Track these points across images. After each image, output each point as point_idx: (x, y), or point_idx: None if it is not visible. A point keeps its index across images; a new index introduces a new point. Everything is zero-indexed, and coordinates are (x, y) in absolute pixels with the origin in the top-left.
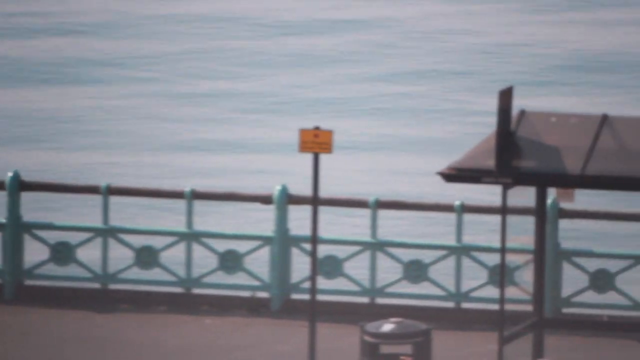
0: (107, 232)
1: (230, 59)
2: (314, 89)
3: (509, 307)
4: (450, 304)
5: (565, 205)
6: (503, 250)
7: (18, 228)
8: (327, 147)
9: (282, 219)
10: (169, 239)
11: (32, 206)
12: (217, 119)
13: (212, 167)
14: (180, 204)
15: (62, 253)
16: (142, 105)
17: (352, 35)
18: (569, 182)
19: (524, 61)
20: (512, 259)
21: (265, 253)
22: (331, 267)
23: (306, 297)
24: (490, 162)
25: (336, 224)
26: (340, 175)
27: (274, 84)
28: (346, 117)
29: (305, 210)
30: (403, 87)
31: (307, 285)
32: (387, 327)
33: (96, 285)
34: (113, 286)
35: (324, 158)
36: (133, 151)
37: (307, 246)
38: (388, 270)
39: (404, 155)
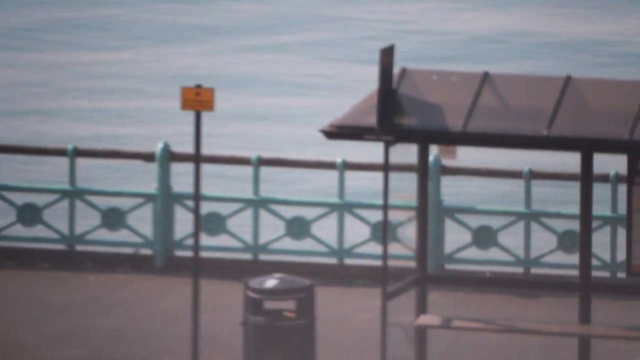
0: None
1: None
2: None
3: (391, 263)
4: (333, 260)
5: (447, 162)
6: (386, 207)
7: None
8: (209, 105)
9: (164, 177)
10: (52, 197)
11: None
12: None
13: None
14: (64, 161)
15: None
16: None
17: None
18: (451, 139)
19: None
20: (394, 215)
21: (148, 210)
22: (214, 224)
23: (189, 254)
24: (372, 120)
25: (222, 181)
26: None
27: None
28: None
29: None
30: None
31: (190, 242)
32: (270, 283)
33: None
34: None
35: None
36: None
37: (190, 203)
38: (271, 227)
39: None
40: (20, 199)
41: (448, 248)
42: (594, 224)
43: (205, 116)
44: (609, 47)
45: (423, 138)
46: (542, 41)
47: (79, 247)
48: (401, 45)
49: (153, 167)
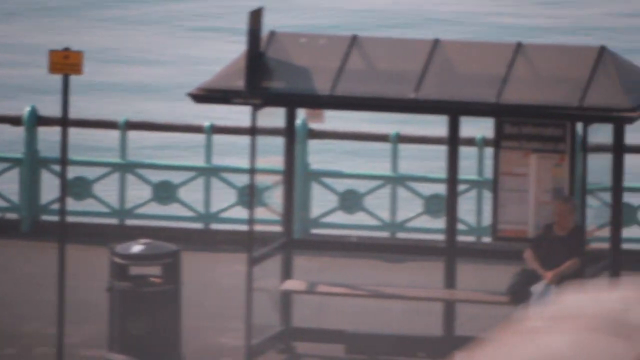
0: None
1: None
2: None
3: (258, 228)
4: (199, 225)
5: (314, 125)
6: (252, 171)
7: None
8: (78, 69)
9: (31, 141)
10: None
11: None
12: None
13: None
14: None
15: None
16: None
17: None
18: (318, 102)
19: None
20: (261, 179)
21: (14, 174)
22: (81, 188)
23: (56, 218)
24: (239, 83)
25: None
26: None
27: None
28: None
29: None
30: None
31: (56, 206)
32: (136, 248)
33: None
34: None
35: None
36: None
37: (57, 168)
38: (137, 192)
39: None
40: None
41: (314, 212)
42: (460, 187)
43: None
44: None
45: (290, 102)
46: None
47: None
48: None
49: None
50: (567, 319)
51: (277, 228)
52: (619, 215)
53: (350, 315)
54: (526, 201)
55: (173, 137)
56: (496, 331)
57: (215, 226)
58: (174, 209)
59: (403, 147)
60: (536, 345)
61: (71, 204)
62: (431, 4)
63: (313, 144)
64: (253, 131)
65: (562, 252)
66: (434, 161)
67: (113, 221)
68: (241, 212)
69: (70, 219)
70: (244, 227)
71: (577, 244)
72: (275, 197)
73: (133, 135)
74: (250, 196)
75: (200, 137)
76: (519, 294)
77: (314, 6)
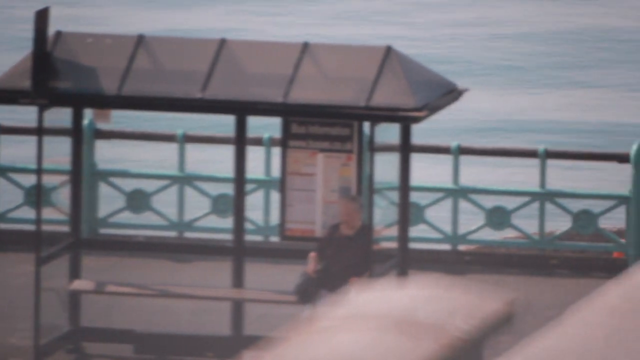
0: None
1: None
2: None
3: (45, 228)
4: None
5: (102, 125)
6: (39, 171)
7: None
8: None
9: None
10: None
11: None
12: None
13: None
14: None
15: None
16: None
17: None
18: (105, 102)
19: None
20: (48, 179)
21: None
22: None
23: None
24: (26, 83)
25: None
26: None
27: None
28: None
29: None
30: None
31: None
32: None
33: None
34: None
35: None
36: None
37: None
38: None
39: None
40: None
41: (102, 212)
42: (248, 187)
43: None
44: None
45: (77, 102)
46: None
47: None
48: None
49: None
50: (357, 318)
51: (65, 228)
52: (406, 214)
53: (139, 315)
54: (314, 201)
55: None
56: (286, 331)
57: (1, 226)
58: None
59: (190, 147)
60: (326, 345)
61: None
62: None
63: (100, 144)
64: (40, 131)
65: (350, 251)
66: (222, 161)
67: None
68: (28, 212)
69: None
70: (31, 227)
71: (364, 243)
72: (63, 197)
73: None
74: (37, 196)
75: None
76: (307, 293)
77: None
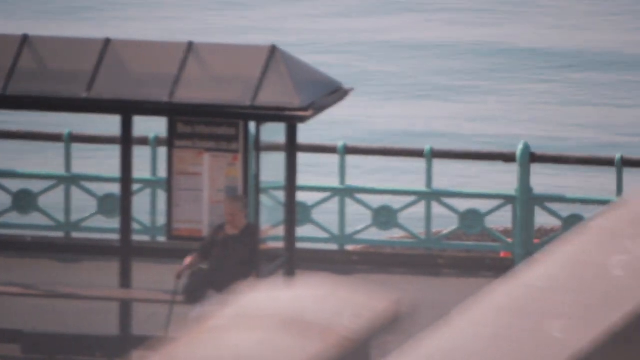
0: None
1: None
2: None
3: None
4: None
5: None
6: None
7: None
8: None
9: None
10: None
11: None
12: None
13: None
14: None
15: None
16: None
17: None
18: None
19: None
20: None
21: None
22: None
23: None
24: None
25: None
26: None
27: None
28: None
29: None
30: None
31: None
32: None
33: None
34: None
35: None
36: None
37: None
38: None
39: None
40: None
41: None
42: (135, 187)
43: None
44: None
45: None
46: None
47: None
48: None
49: None
50: (245, 318)
51: None
52: (293, 214)
53: (26, 315)
54: (200, 200)
55: None
56: (174, 330)
57: None
58: None
59: (77, 147)
60: (215, 344)
61: None
62: None
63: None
64: None
65: (236, 250)
66: (108, 160)
67: None
68: None
69: None
70: None
71: (250, 242)
72: None
73: None
74: None
75: None
76: (195, 293)
77: None
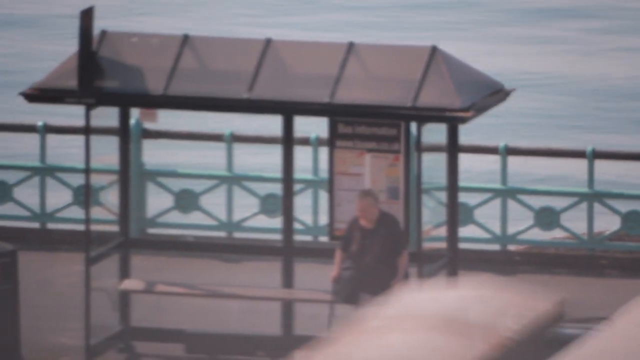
0: None
1: None
2: None
3: (95, 227)
4: (35, 225)
5: (148, 125)
6: (88, 170)
7: None
8: None
9: None
10: None
11: None
12: None
13: None
14: None
15: None
16: None
17: None
18: (152, 102)
19: None
20: (96, 179)
21: None
22: None
23: None
24: (72, 83)
25: None
26: None
27: None
28: None
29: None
30: None
31: None
32: None
33: None
34: None
35: None
36: None
37: None
38: None
39: None
40: None
41: (150, 212)
42: (296, 187)
43: None
44: None
45: (124, 101)
46: None
47: None
48: None
49: None
50: (406, 318)
51: (114, 228)
52: (455, 214)
53: (188, 314)
54: None
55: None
56: (336, 330)
57: (51, 226)
58: (9, 209)
59: (238, 147)
60: (376, 344)
61: None
62: None
63: (148, 144)
64: (87, 131)
65: (374, 244)
66: (269, 160)
67: None
68: (77, 212)
69: None
70: (80, 227)
71: (387, 232)
72: (111, 197)
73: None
74: (86, 196)
75: (33, 137)
76: (349, 296)
77: None
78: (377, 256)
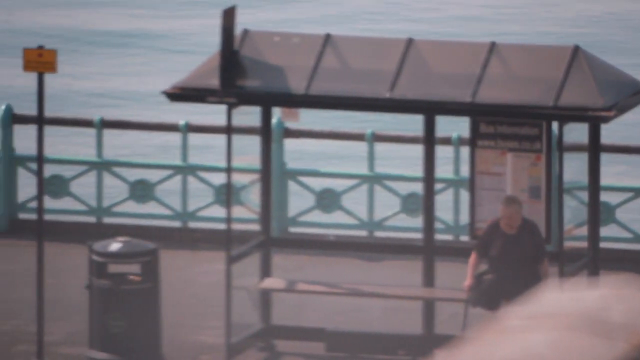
0: None
1: None
2: None
3: (236, 226)
4: (177, 224)
5: (290, 124)
6: (229, 169)
7: None
8: (52, 67)
9: (6, 139)
10: None
11: None
12: None
13: None
14: None
15: None
16: None
17: None
18: (294, 101)
19: None
20: (238, 178)
21: None
22: (58, 186)
23: (33, 216)
24: (214, 82)
25: (66, 144)
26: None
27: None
28: None
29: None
30: None
31: (33, 204)
32: (115, 246)
33: None
34: None
35: None
36: None
37: (34, 165)
38: (114, 190)
39: None
40: None
41: (292, 211)
42: (437, 186)
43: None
44: None
45: (266, 100)
46: None
47: None
48: None
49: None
50: (547, 317)
51: (255, 227)
52: (597, 214)
53: (329, 313)
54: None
55: (148, 136)
56: (476, 329)
57: (193, 224)
58: (151, 207)
59: (378, 146)
60: (516, 344)
61: (48, 202)
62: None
63: (289, 143)
64: (229, 130)
65: (516, 250)
66: (410, 160)
67: (90, 219)
68: (219, 211)
69: (48, 217)
70: (221, 226)
71: (530, 239)
72: (253, 196)
73: (107, 134)
74: (227, 195)
75: (175, 136)
76: (487, 304)
77: None
78: (519, 262)
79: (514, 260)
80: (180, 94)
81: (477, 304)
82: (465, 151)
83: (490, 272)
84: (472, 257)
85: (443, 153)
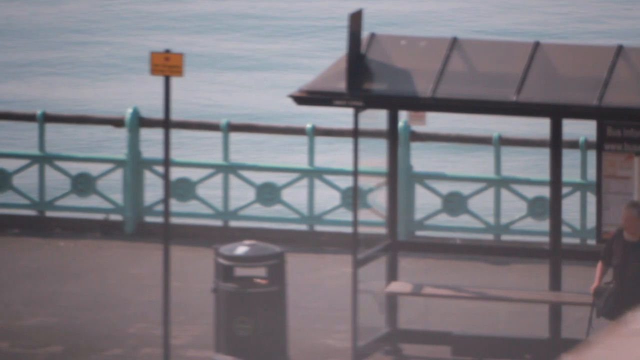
0: None
1: None
2: None
3: (362, 230)
4: (303, 227)
5: (416, 127)
6: (356, 173)
7: None
8: (178, 70)
9: (134, 142)
10: (21, 162)
11: None
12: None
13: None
14: (32, 126)
15: None
16: None
17: None
18: (420, 104)
19: None
20: (364, 182)
21: (118, 176)
22: (184, 190)
23: (159, 219)
24: (341, 85)
25: (189, 147)
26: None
27: None
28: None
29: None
30: None
31: (160, 208)
32: (241, 250)
33: None
34: None
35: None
36: None
37: (160, 169)
38: (241, 193)
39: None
40: None
41: (418, 214)
42: (564, 190)
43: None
44: None
45: (393, 104)
46: None
47: (49, 213)
48: None
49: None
50: None
51: (381, 230)
52: None
53: (455, 317)
54: None
55: (273, 139)
56: (602, 334)
57: (319, 228)
58: (277, 211)
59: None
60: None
61: (175, 205)
62: None
63: (416, 146)
64: (355, 133)
65: (637, 257)
66: (535, 163)
67: (217, 223)
68: (345, 214)
69: (174, 220)
70: (348, 229)
71: None
72: (379, 200)
73: (234, 136)
74: (354, 198)
75: (302, 139)
76: (610, 313)
77: None
78: (638, 272)
79: (635, 268)
80: (307, 97)
81: (599, 314)
82: (592, 155)
83: (613, 281)
84: (599, 265)
85: (569, 156)
